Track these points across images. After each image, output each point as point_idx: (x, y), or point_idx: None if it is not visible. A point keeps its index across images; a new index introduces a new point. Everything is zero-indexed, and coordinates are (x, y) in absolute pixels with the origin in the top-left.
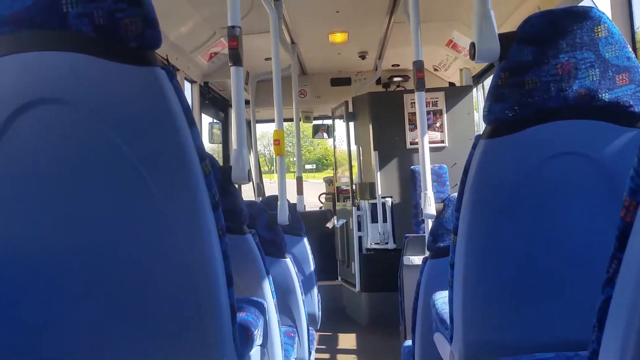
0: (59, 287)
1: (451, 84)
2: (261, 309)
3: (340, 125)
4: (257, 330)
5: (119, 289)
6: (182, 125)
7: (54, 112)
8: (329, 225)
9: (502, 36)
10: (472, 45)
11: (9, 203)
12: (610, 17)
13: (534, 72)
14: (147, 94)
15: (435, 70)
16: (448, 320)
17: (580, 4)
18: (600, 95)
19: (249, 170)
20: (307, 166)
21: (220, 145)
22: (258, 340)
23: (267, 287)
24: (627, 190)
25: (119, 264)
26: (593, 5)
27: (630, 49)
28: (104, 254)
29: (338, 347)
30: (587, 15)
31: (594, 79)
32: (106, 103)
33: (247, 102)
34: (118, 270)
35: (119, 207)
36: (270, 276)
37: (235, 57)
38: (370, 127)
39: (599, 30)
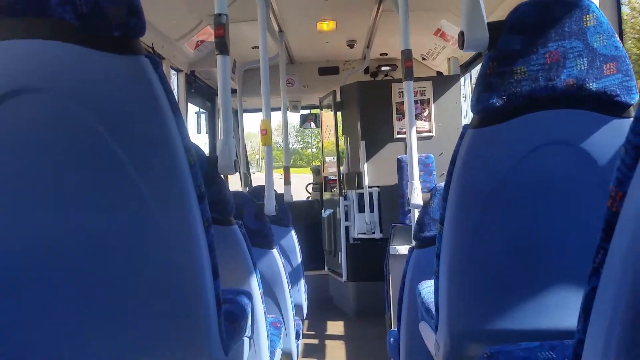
0: (41, 279)
1: (439, 73)
2: (247, 299)
3: (327, 114)
4: (243, 321)
5: (103, 280)
6: (167, 115)
7: (37, 101)
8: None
9: (490, 25)
10: (461, 34)
11: None
12: (598, 6)
13: (522, 61)
14: (132, 82)
15: (423, 59)
16: (433, 310)
17: None
18: (588, 85)
19: (236, 161)
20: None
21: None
22: (245, 332)
23: (254, 278)
24: (614, 179)
25: (103, 255)
26: None
27: (618, 38)
28: (88, 245)
29: (325, 336)
30: (576, 4)
31: (582, 68)
32: (90, 92)
33: (234, 91)
34: (102, 261)
35: (103, 197)
36: (257, 267)
37: (222, 46)
38: (359, 116)
39: (588, 19)
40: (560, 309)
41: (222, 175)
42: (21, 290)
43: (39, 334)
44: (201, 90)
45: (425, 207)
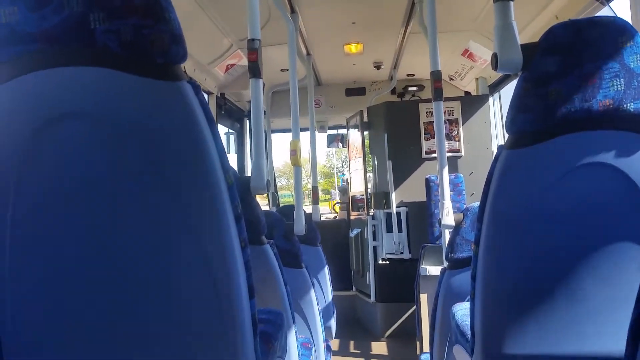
0: (88, 301)
1: (467, 93)
2: (280, 320)
3: (354, 135)
4: (276, 342)
5: (141, 300)
6: (207, 139)
7: (80, 127)
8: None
9: (524, 47)
10: (494, 55)
11: (36, 219)
12: (633, 26)
13: (557, 83)
14: (174, 108)
15: (451, 79)
16: (469, 333)
17: (600, 13)
18: (625, 105)
19: (268, 181)
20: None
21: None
22: (278, 352)
23: (285, 298)
24: None
25: (142, 276)
26: (615, 15)
27: None
28: (128, 267)
29: (354, 358)
30: (611, 25)
31: (619, 88)
32: (132, 117)
33: (263, 113)
34: (141, 282)
35: (146, 220)
36: (287, 287)
37: (255, 70)
38: (385, 136)
39: (624, 39)
40: (600, 334)
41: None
42: (70, 309)
43: (73, 353)
44: (230, 111)
45: (457, 228)
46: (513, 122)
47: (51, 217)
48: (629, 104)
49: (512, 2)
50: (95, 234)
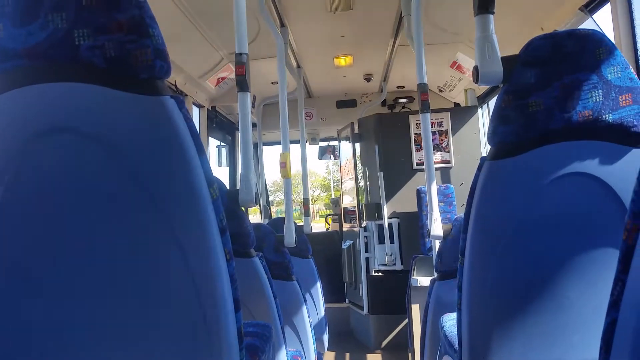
0: (71, 314)
1: (456, 105)
2: (268, 333)
3: (346, 146)
4: (264, 355)
5: (125, 314)
6: (191, 153)
7: (65, 141)
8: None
9: (504, 59)
10: (475, 68)
11: (21, 234)
12: (613, 39)
13: (537, 94)
14: (157, 122)
15: (440, 91)
16: (456, 344)
17: (583, 26)
18: (604, 116)
19: (256, 194)
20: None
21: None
22: None
23: (274, 310)
24: (629, 212)
25: (129, 289)
26: (595, 28)
27: (633, 70)
28: (110, 281)
29: None
30: (589, 38)
31: (598, 99)
32: (116, 131)
33: (254, 126)
34: (128, 296)
35: (129, 234)
36: (277, 299)
37: (243, 84)
38: (376, 148)
39: (601, 52)
40: (586, 342)
41: (242, 208)
42: (52, 324)
43: None
44: (222, 124)
45: (446, 239)
46: (494, 134)
47: (35, 230)
48: (607, 115)
49: (492, 15)
50: (78, 247)
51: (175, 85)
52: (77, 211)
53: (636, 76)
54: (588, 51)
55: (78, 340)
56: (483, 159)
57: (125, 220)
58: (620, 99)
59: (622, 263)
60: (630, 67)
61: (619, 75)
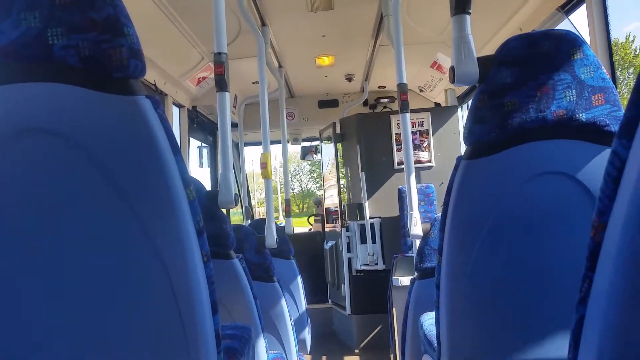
0: (43, 315)
1: (437, 104)
2: (247, 335)
3: (328, 146)
4: (242, 357)
5: (100, 316)
6: (166, 154)
7: (40, 141)
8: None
9: (481, 59)
10: (452, 69)
11: None
12: (589, 40)
13: (512, 94)
14: (131, 123)
15: (421, 91)
16: (435, 342)
17: (560, 26)
18: (577, 116)
19: (236, 194)
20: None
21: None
22: None
23: (255, 312)
24: (595, 210)
25: (100, 292)
26: (570, 28)
27: (605, 70)
28: (85, 282)
29: None
30: (562, 38)
31: (571, 99)
32: (90, 132)
33: (235, 125)
34: (103, 298)
35: (103, 235)
36: (257, 301)
37: (222, 83)
38: (358, 148)
39: (575, 52)
40: (561, 340)
41: (222, 210)
42: (22, 322)
43: None
44: (203, 125)
45: (425, 238)
46: (470, 133)
47: (4, 231)
48: (581, 114)
49: (468, 16)
50: (51, 248)
51: (155, 85)
52: (49, 212)
53: (608, 76)
54: (562, 51)
55: (50, 343)
56: (459, 158)
57: (97, 221)
58: (593, 99)
59: (590, 261)
60: (603, 67)
61: (592, 75)
